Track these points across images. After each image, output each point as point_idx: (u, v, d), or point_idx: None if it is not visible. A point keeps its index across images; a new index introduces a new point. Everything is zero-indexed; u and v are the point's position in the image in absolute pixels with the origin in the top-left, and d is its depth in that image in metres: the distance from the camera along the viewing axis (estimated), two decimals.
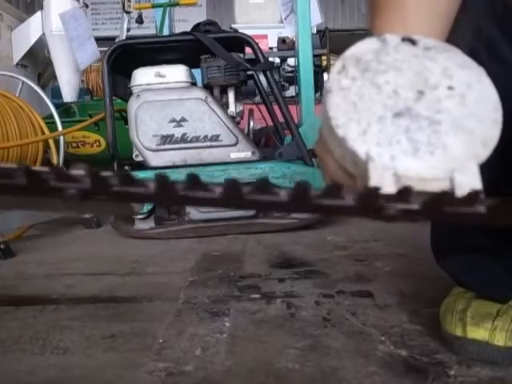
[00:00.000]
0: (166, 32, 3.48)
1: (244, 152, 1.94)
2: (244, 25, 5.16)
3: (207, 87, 2.03)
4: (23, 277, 1.39)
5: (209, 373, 0.72)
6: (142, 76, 2.01)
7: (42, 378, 0.74)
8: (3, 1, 3.49)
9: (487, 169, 0.36)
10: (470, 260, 0.77)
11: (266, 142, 3.04)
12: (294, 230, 1.88)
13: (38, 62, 3.61)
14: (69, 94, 3.40)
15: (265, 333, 0.87)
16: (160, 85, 1.98)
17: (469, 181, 0.33)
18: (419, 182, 0.33)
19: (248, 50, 2.17)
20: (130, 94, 2.01)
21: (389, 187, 0.32)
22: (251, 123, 2.17)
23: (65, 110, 3.33)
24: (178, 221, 1.96)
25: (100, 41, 3.58)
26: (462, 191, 0.32)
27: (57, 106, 2.60)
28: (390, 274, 1.21)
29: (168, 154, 1.93)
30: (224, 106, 2.02)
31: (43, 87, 3.28)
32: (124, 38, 3.49)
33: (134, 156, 1.97)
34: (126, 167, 2.11)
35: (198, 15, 6.11)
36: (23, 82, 2.61)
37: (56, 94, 3.54)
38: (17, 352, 0.83)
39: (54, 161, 2.27)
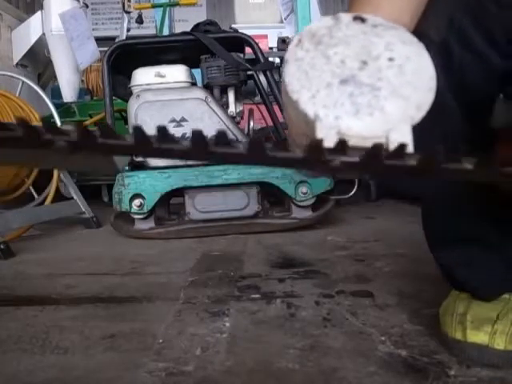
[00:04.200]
0: (166, 32, 3.48)
1: None
2: (244, 25, 5.15)
3: (207, 87, 2.03)
4: (23, 277, 1.39)
5: (209, 373, 0.72)
6: (142, 76, 2.01)
7: (42, 377, 0.74)
8: (3, 1, 3.48)
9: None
10: (467, 253, 0.76)
11: None
12: (294, 230, 1.88)
13: (38, 62, 3.61)
14: (69, 94, 3.39)
15: (265, 333, 0.87)
16: (160, 85, 1.98)
17: (401, 139, 0.37)
18: (359, 140, 0.38)
19: (248, 49, 2.17)
20: (130, 93, 2.00)
21: (332, 143, 0.35)
22: (251, 123, 2.17)
23: (65, 110, 3.32)
24: (178, 221, 1.96)
25: (100, 41, 3.57)
26: (394, 146, 0.36)
27: (57, 106, 2.60)
28: (390, 274, 1.21)
29: None
30: (224, 106, 2.02)
31: (43, 87, 3.27)
32: (124, 38, 3.49)
33: (133, 156, 1.96)
34: (126, 167, 2.10)
35: (198, 15, 6.11)
36: (23, 81, 2.60)
37: (56, 94, 3.53)
38: (17, 352, 0.83)
39: None
